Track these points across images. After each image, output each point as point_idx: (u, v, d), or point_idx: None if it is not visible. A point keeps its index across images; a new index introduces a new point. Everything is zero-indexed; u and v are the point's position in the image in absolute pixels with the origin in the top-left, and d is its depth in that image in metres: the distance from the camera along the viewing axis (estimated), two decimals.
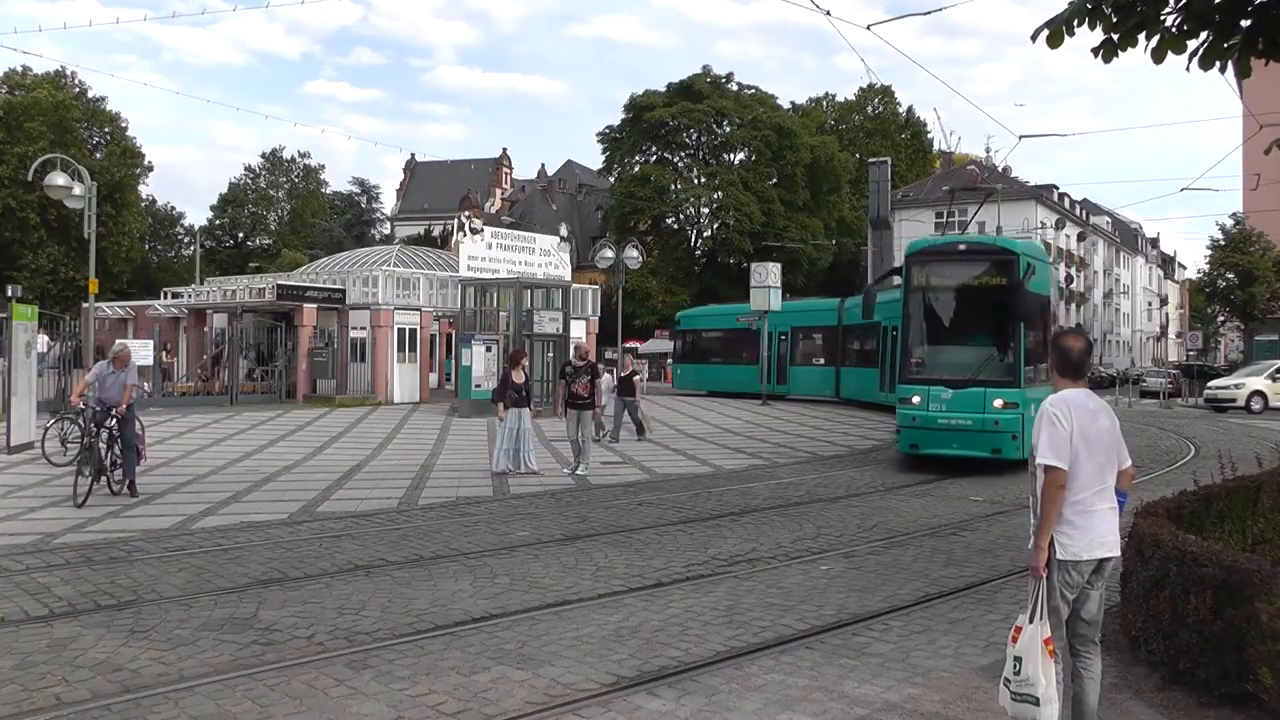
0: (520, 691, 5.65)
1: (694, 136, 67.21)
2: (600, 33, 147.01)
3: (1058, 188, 77.97)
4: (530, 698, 5.56)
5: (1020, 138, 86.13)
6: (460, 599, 7.74)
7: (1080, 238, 79.93)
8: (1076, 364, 4.83)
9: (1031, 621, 4.55)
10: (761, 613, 7.36)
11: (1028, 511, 4.91)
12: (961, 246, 17.41)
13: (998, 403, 15.71)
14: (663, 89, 67.02)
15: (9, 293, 20.13)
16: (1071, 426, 4.60)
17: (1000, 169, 67.63)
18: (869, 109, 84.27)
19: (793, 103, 78.45)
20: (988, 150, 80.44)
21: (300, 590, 7.96)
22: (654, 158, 67.70)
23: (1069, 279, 71.52)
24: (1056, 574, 4.63)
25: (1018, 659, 4.54)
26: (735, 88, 68.76)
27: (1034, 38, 5.91)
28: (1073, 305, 74.35)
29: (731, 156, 68.18)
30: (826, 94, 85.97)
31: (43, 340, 22.92)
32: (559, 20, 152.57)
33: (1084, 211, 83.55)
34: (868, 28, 14.94)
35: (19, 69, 61.92)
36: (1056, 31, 5.75)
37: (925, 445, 16.44)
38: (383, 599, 7.72)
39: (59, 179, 23.33)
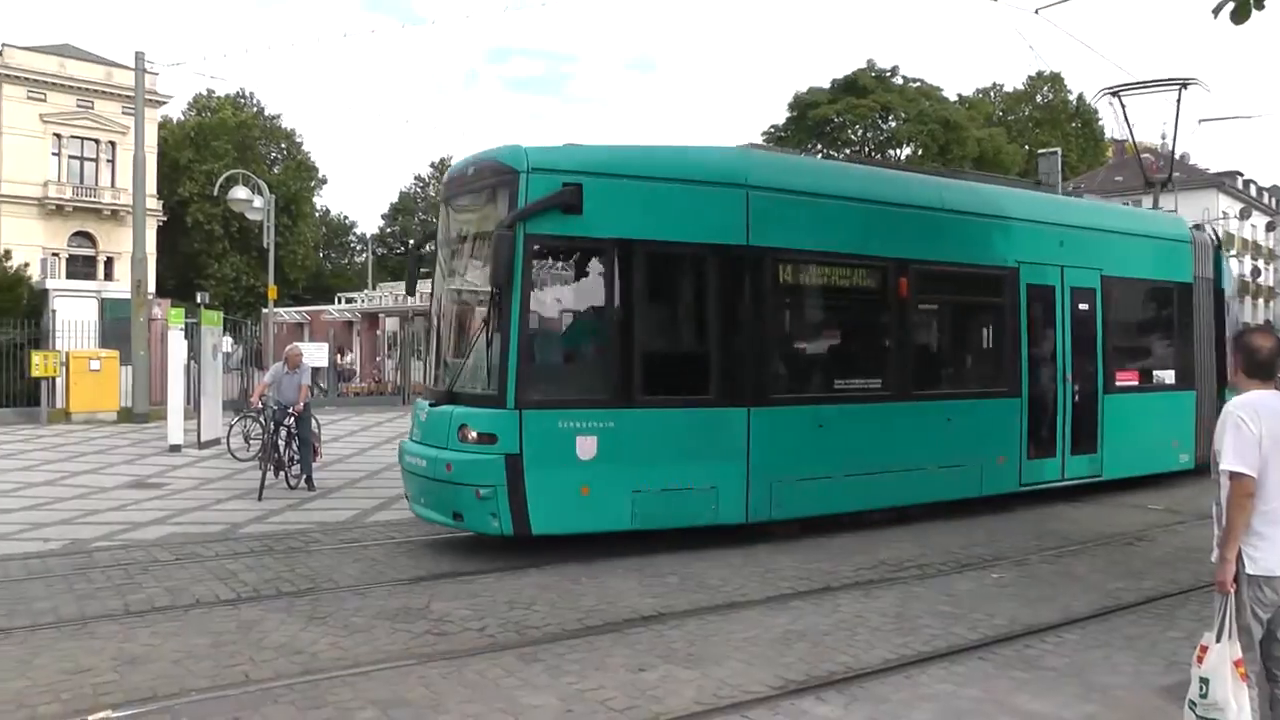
0: (688, 690, 5.61)
1: (859, 133, 66.06)
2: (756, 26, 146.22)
3: (1242, 174, 73.05)
4: (698, 697, 5.52)
5: (1200, 121, 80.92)
6: (628, 597, 7.77)
7: (1269, 227, 74.67)
8: (1265, 364, 4.44)
9: (1219, 640, 4.18)
10: (931, 620, 7.15)
11: (1210, 522, 4.53)
12: (471, 170, 9.98)
13: (470, 434, 8.82)
14: (826, 85, 66.11)
15: (198, 299, 21.48)
16: (1260, 430, 4.23)
17: (1179, 156, 63.70)
18: (1038, 98, 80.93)
19: (959, 95, 76.22)
20: (1163, 137, 75.99)
21: (472, 584, 8.13)
22: (820, 156, 66.84)
23: (1255, 272, 66.88)
24: (1246, 590, 4.26)
25: (1204, 680, 4.17)
26: (900, 81, 67.30)
27: (1215, 13, 5.47)
28: (1261, 301, 69.57)
29: (898, 152, 66.71)
30: (994, 84, 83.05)
31: (227, 343, 24.34)
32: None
33: (1274, 199, 78.04)
34: (1036, 12, 14.28)
35: (205, 92, 66.01)
36: (1243, 5, 5.29)
37: (413, 500, 9.87)
38: (552, 595, 7.82)
39: (241, 193, 24.85)
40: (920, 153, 64.83)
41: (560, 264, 9.61)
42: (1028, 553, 9.63)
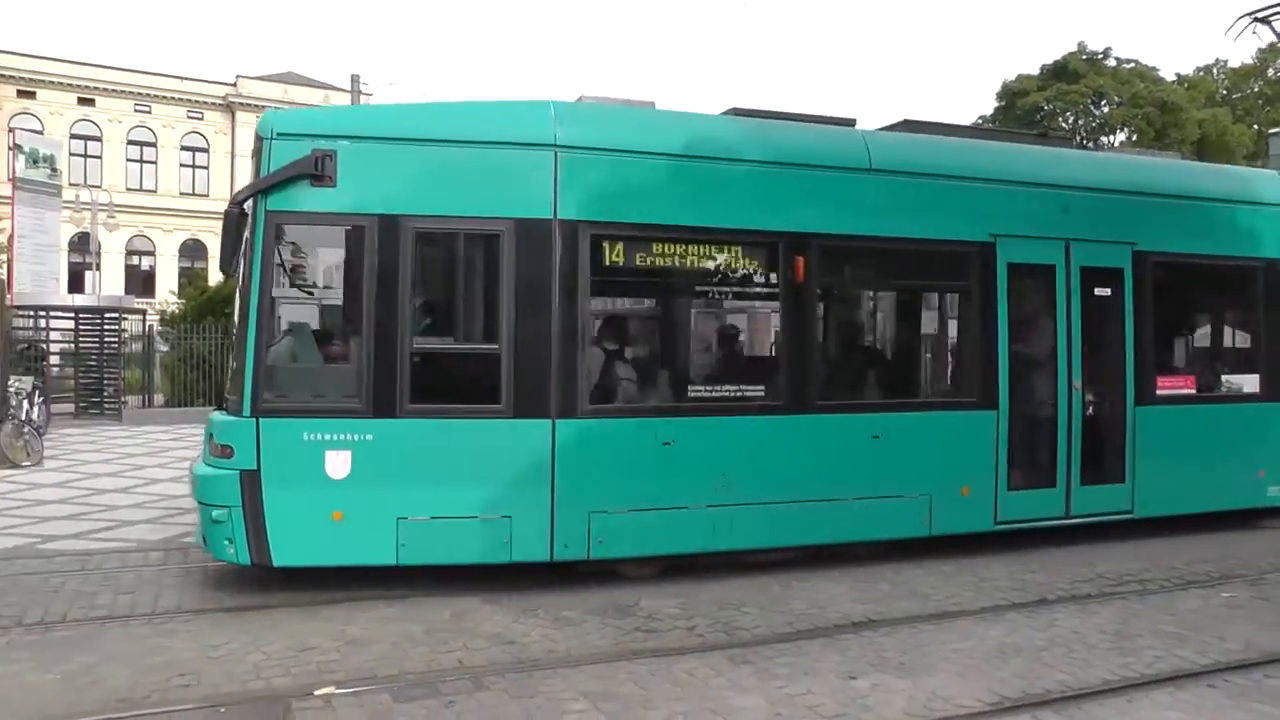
0: (898, 700, 5.55)
1: (1070, 120, 62.88)
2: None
3: None
4: (909, 708, 5.45)
5: None
6: (839, 602, 7.68)
7: None
8: None
9: None
10: (1154, 640, 6.75)
11: None
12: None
13: (215, 445, 7.67)
14: (1035, 72, 63.26)
15: None
16: None
17: None
18: (1270, 71, 74.57)
19: (1177, 74, 71.30)
20: None
21: (680, 583, 8.08)
22: None
23: None
24: None
25: None
26: (1113, 63, 63.60)
27: None
28: None
29: (1110, 138, 63.10)
30: (1217, 59, 77.13)
31: None
32: None
33: None
34: None
35: None
36: None
37: None
38: (762, 597, 7.76)
39: None
40: (1135, 138, 61.10)
41: (311, 246, 8.18)
42: (1264, 571, 8.93)
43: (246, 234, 7.62)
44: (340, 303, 8.19)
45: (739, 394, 8.49)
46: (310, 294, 8.31)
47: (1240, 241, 10.70)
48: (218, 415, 7.88)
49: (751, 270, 8.58)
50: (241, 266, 7.76)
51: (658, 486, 8.02)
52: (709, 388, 8.51)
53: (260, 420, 7.37)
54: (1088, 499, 9.74)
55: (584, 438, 7.86)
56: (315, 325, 8.34)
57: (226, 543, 7.40)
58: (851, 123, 9.66)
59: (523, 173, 7.87)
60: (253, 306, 7.47)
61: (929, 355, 10.26)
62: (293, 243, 7.83)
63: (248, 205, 7.62)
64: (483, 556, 7.70)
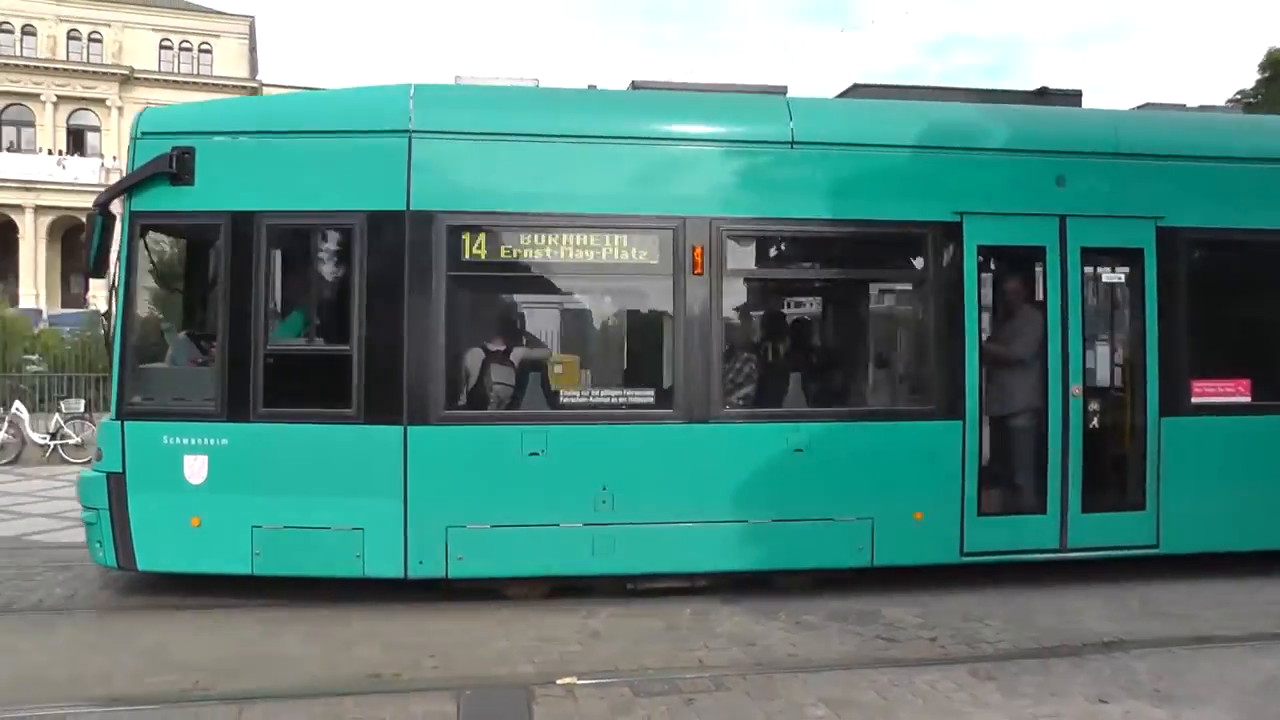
0: None
1: None
2: None
3: None
4: None
5: None
6: (1086, 618, 7.22)
7: None
8: None
9: None
10: None
11: None
12: None
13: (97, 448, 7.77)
14: None
15: None
16: None
17: None
18: None
19: None
20: None
21: (921, 592, 7.77)
22: None
23: None
24: None
25: None
26: None
27: None
28: None
29: None
30: None
31: None
32: None
33: None
34: None
35: None
36: None
37: None
38: (1006, 609, 7.42)
39: None
40: None
41: (174, 246, 8.28)
42: None
43: (88, 235, 7.52)
44: (200, 303, 8.15)
45: (623, 400, 7.66)
46: (174, 295, 8.29)
47: None
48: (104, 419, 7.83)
49: (640, 261, 7.69)
50: (97, 269, 7.71)
51: (524, 501, 7.34)
52: (586, 393, 7.82)
53: (125, 423, 7.31)
54: (1093, 529, 7.99)
55: (439, 446, 7.33)
56: (179, 327, 8.29)
57: (97, 545, 7.37)
58: (782, 91, 8.30)
59: (375, 162, 7.41)
60: (118, 309, 7.46)
61: (870, 356, 8.82)
62: (156, 243, 7.82)
63: (114, 206, 7.57)
64: (335, 570, 7.30)
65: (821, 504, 7.63)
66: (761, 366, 8.25)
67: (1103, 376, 8.61)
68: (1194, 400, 8.10)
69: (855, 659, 6.29)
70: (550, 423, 7.50)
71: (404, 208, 7.31)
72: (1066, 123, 8.50)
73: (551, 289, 8.11)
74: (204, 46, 56.43)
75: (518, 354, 7.93)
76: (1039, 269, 8.18)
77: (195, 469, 7.26)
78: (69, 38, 55.38)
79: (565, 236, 7.54)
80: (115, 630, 6.89)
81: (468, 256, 7.44)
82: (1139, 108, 9.29)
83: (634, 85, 8.32)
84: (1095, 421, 8.23)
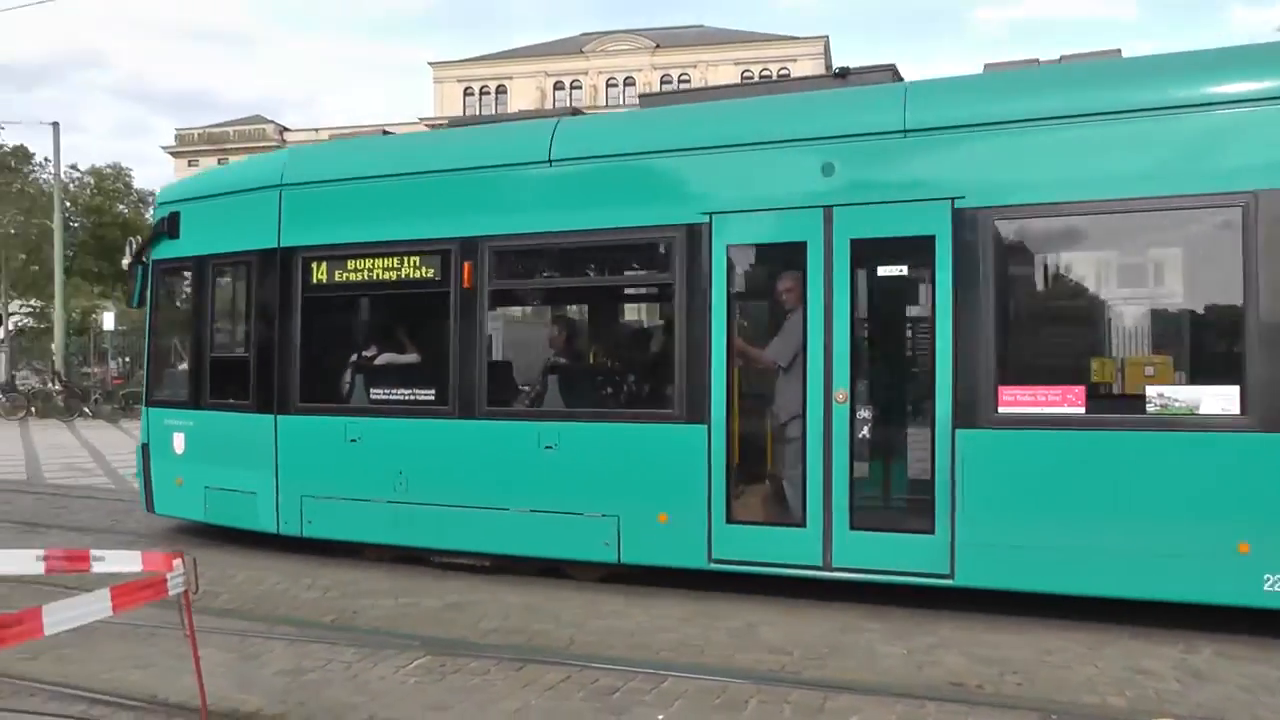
0: None
1: None
2: None
3: None
4: None
5: None
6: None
7: None
8: None
9: None
10: None
11: None
12: None
13: None
14: None
15: None
16: None
17: None
18: None
19: None
20: None
21: None
22: None
23: None
24: None
25: None
26: None
27: None
28: None
29: None
30: None
31: None
32: None
33: None
34: None
35: None
36: None
37: None
38: None
39: None
40: None
41: (172, 283, 10.72)
42: None
43: (129, 278, 10.79)
44: (182, 323, 10.54)
45: (414, 398, 8.78)
46: (175, 318, 10.75)
47: (1192, 170, 6.53)
48: None
49: (428, 279, 8.72)
50: (130, 302, 11.15)
51: (347, 478, 8.87)
52: (389, 391, 8.94)
53: (149, 409, 10.49)
54: (865, 549, 7.17)
55: (294, 431, 9.19)
56: (174, 340, 10.84)
57: (141, 494, 10.46)
58: (564, 115, 8.97)
59: (262, 211, 9.38)
60: (146, 328, 10.88)
61: (621, 360, 8.98)
62: (165, 281, 10.60)
63: (144, 257, 10.50)
64: (242, 523, 9.53)
65: (570, 499, 8.01)
66: (521, 368, 9.02)
67: (882, 382, 7.59)
68: (1001, 410, 6.83)
69: None
70: (363, 415, 8.94)
71: (276, 245, 9.28)
72: (841, 106, 7.74)
73: (366, 305, 9.53)
74: (782, 71, 60.60)
75: (349, 358, 9.42)
76: (799, 266, 7.43)
77: (178, 443, 10.07)
78: (661, 82, 62.57)
79: (376, 262, 8.91)
80: (706, 609, 7.37)
81: (314, 281, 9.15)
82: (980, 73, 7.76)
83: (453, 122, 11.03)
84: (866, 431, 7.28)
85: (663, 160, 7.97)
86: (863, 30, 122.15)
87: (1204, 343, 6.96)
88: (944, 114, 7.22)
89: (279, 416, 9.25)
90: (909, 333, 7.70)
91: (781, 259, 7.77)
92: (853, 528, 7.20)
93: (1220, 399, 6.42)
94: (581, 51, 68.72)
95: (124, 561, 4.84)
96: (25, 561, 4.86)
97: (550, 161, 8.29)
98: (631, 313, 9.47)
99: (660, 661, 6.11)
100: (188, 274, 10.32)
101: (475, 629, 6.97)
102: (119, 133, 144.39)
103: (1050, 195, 6.85)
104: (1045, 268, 7.50)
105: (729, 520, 7.57)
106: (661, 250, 7.96)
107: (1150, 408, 6.58)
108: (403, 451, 8.70)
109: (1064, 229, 7.10)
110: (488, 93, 68.41)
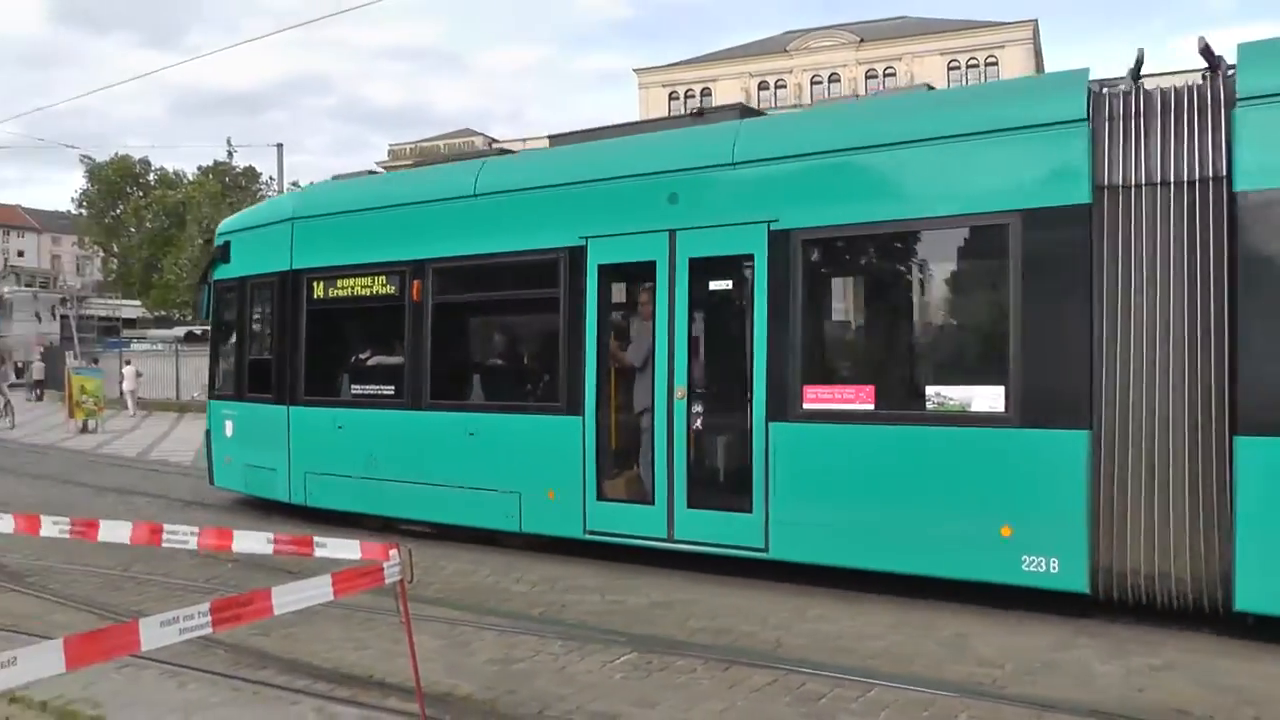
0: None
1: None
2: None
3: None
4: None
5: None
6: None
7: None
8: None
9: None
10: None
11: None
12: None
13: None
14: None
15: None
16: None
17: None
18: None
19: None
20: None
21: None
22: None
23: None
24: None
25: None
26: None
27: None
28: None
29: None
30: None
31: None
32: None
33: None
34: None
35: None
36: None
37: None
38: None
39: None
40: None
41: (229, 299, 12.56)
42: None
43: (196, 293, 13.68)
44: (232, 330, 12.69)
45: (381, 393, 10.61)
46: (230, 327, 12.73)
47: (961, 193, 7.29)
48: None
49: (391, 295, 10.50)
50: (199, 314, 13.69)
51: (334, 459, 10.80)
52: (364, 387, 10.88)
53: (211, 401, 12.95)
54: (698, 525, 8.31)
55: (299, 419, 11.21)
56: (229, 344, 12.81)
57: (207, 473, 12.73)
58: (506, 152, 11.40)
59: (281, 240, 11.49)
60: (212, 335, 13.50)
61: (521, 361, 10.39)
62: (221, 298, 12.68)
63: (208, 278, 12.94)
64: (267, 494, 11.63)
65: (486, 477, 9.53)
66: (455, 368, 10.40)
67: (713, 381, 8.66)
68: (805, 406, 7.82)
69: None
70: (346, 406, 10.87)
71: (290, 268, 11.36)
72: (684, 143, 9.02)
73: (350, 315, 11.18)
74: (990, 60, 58.51)
75: (337, 360, 11.44)
76: (649, 282, 8.68)
77: (229, 428, 12.20)
78: (867, 77, 61.49)
79: (356, 280, 10.79)
80: (915, 617, 7.14)
81: (315, 296, 11.15)
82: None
83: (417, 161, 12.72)
84: (699, 424, 8.43)
85: (555, 192, 9.35)
86: (1071, 12, 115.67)
87: (975, 348, 7.75)
88: (763, 147, 8.30)
89: (290, 407, 11.30)
90: (735, 338, 8.54)
91: (638, 276, 8.92)
92: (689, 506, 8.34)
93: (988, 398, 7.15)
94: (785, 50, 67.89)
95: (343, 549, 5.10)
96: (258, 543, 5.45)
97: (475, 195, 9.86)
98: (533, 322, 10.41)
99: (867, 669, 5.99)
100: (234, 292, 12.41)
101: (682, 627, 7.02)
102: (337, 149, 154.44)
103: (846, 217, 7.75)
104: (843, 281, 8.58)
105: (599, 498, 8.85)
106: (552, 269, 9.24)
107: (929, 405, 7.39)
108: (373, 437, 10.49)
109: (859, 247, 8.16)
110: (692, 96, 68.51)
